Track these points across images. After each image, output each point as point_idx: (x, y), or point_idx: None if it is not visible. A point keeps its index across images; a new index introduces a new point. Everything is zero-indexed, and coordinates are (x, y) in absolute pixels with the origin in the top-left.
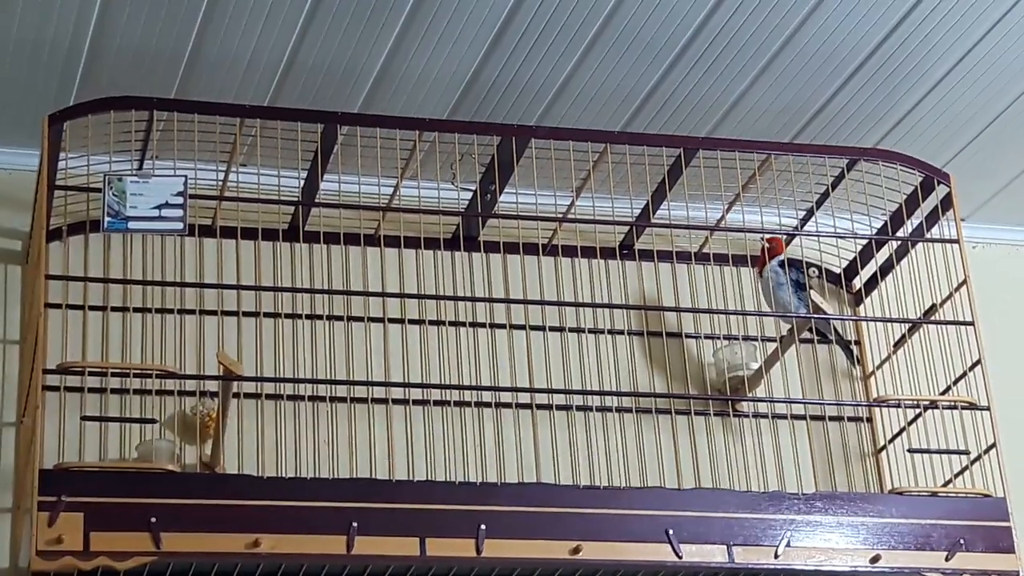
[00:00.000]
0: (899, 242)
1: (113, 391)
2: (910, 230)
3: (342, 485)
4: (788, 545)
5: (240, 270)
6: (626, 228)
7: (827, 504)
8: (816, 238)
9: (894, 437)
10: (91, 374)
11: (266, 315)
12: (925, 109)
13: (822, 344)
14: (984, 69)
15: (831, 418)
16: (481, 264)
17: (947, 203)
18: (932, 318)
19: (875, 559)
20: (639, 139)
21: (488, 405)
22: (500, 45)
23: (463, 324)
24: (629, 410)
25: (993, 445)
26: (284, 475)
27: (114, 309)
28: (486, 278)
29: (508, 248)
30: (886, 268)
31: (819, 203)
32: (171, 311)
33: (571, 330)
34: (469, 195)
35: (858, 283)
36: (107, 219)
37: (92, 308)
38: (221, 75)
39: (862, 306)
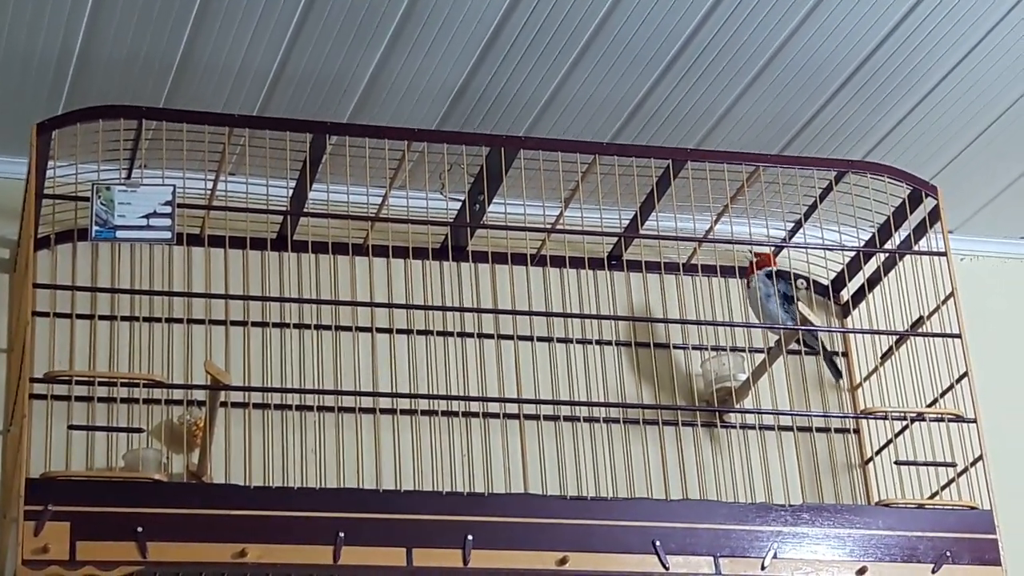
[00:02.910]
0: (887, 254)
1: (100, 400)
2: (898, 242)
3: (329, 495)
4: (775, 557)
5: (228, 279)
6: (614, 239)
7: (814, 516)
8: (804, 250)
9: (881, 449)
10: (78, 383)
11: (254, 324)
12: (913, 121)
13: (809, 356)
14: (972, 82)
15: (818, 430)
16: (469, 274)
17: (935, 215)
18: (919, 330)
19: (862, 571)
20: (628, 150)
21: (475, 415)
22: (489, 55)
23: (451, 334)
24: (617, 421)
25: (980, 457)
26: (271, 485)
27: (102, 318)
28: (474, 288)
29: (496, 258)
30: (874, 280)
31: (807, 215)
32: (159, 320)
33: (559, 340)
34: (458, 205)
35: (846, 295)
36: (95, 228)
37: (80, 317)
38: (210, 84)
39: (849, 318)
